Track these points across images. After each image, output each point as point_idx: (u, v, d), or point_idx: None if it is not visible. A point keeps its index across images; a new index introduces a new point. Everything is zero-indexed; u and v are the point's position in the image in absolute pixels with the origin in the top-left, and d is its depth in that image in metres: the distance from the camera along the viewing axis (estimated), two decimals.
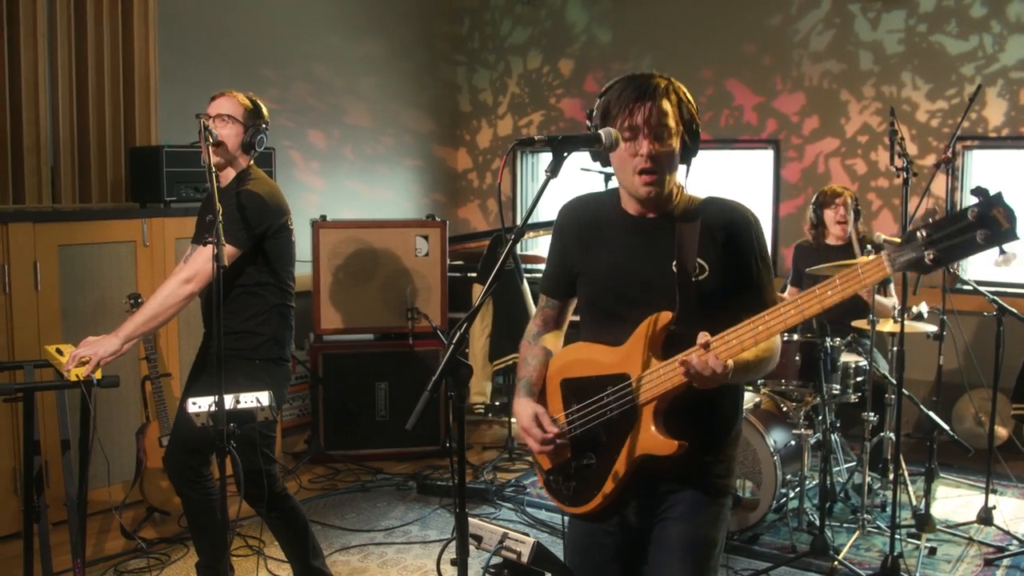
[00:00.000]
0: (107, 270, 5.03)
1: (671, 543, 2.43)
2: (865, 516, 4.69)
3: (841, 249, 5.32)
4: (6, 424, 4.64)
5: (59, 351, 3.72)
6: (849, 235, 5.30)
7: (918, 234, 2.01)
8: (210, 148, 3.60)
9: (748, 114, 6.82)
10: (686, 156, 2.44)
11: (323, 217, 6.04)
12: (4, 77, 5.09)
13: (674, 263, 2.37)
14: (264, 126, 3.87)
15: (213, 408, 3.33)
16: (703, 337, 2.19)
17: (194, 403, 3.38)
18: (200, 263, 3.64)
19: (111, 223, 5.08)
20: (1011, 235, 1.92)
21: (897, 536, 4.62)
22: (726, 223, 2.41)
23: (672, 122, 2.36)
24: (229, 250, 3.63)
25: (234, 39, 6.38)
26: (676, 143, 2.38)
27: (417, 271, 6.07)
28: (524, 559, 2.27)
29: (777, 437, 4.73)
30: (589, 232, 2.55)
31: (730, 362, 2.20)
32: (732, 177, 7.02)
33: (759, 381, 4.94)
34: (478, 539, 2.38)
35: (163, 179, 5.17)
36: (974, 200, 1.95)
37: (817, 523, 4.59)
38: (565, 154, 2.30)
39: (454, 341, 2.23)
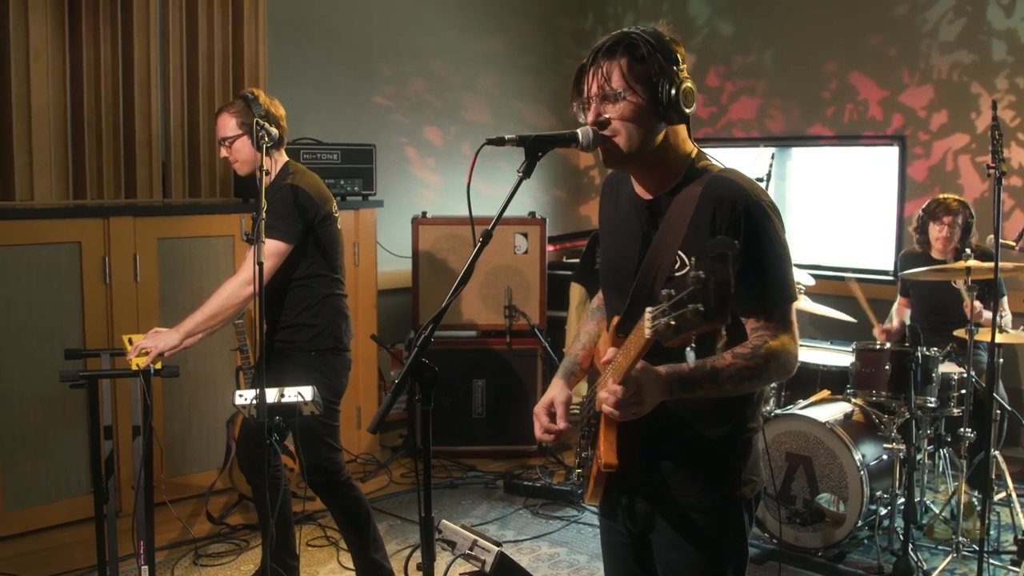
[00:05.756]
0: (204, 263, 5.25)
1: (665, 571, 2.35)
2: (960, 539, 4.42)
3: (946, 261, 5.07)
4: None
5: (131, 341, 3.90)
6: (956, 251, 5.04)
7: (664, 291, 1.77)
8: (263, 151, 3.67)
9: (873, 109, 6.52)
10: (665, 114, 2.16)
11: (424, 214, 6.13)
12: (118, 74, 5.36)
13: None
14: (261, 117, 3.80)
15: (256, 402, 3.43)
16: (609, 354, 2.08)
17: (240, 395, 3.49)
18: None
19: (210, 218, 5.30)
20: (715, 316, 1.69)
21: (996, 563, 4.36)
22: (716, 204, 2.13)
23: (619, 81, 2.14)
24: (281, 246, 3.74)
25: (347, 36, 6.53)
26: (631, 102, 2.14)
27: (516, 269, 6.08)
28: (487, 567, 2.24)
29: (867, 451, 4.51)
30: (608, 209, 2.48)
31: (635, 379, 2.01)
32: (855, 175, 6.73)
33: (849, 390, 4.73)
34: (451, 544, 2.36)
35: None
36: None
37: (910, 543, 4.37)
38: (540, 154, 2.26)
39: (418, 344, 2.22)
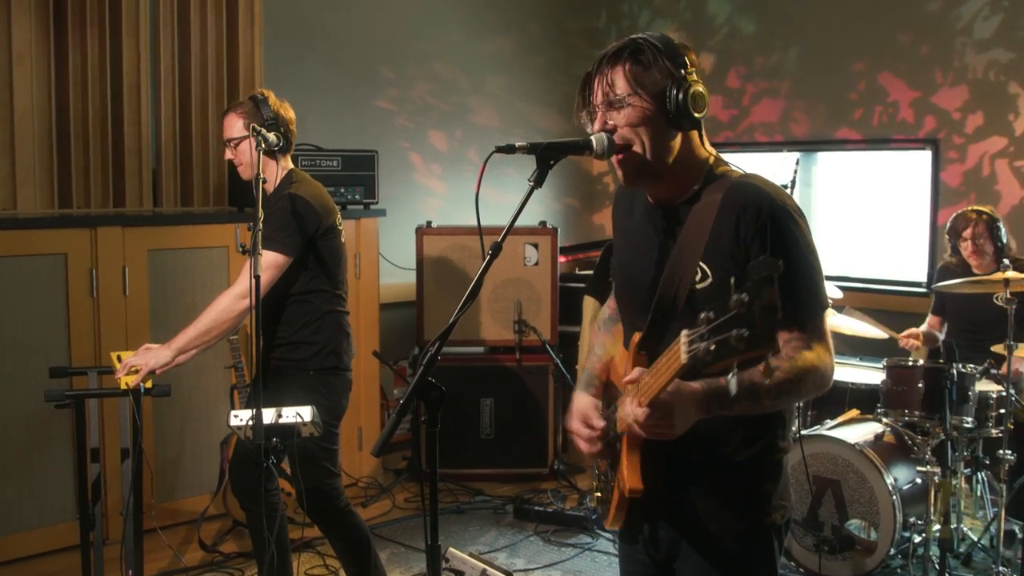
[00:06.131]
0: (197, 275, 5.26)
1: None
2: (1001, 569, 4.40)
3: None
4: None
5: (119, 358, 3.91)
6: (995, 262, 5.03)
7: (703, 315, 1.74)
8: (261, 158, 3.69)
9: (904, 111, 6.51)
10: (675, 120, 2.17)
11: (428, 223, 6.14)
12: (106, 77, 5.38)
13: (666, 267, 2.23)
14: (269, 120, 3.87)
15: (252, 422, 3.43)
16: (635, 373, 2.08)
17: (236, 416, 3.49)
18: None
19: (204, 228, 5.32)
20: (762, 342, 1.65)
21: None
22: (739, 210, 2.15)
23: (624, 86, 2.16)
24: (279, 259, 3.75)
25: (348, 37, 6.55)
26: (637, 107, 2.16)
27: (526, 281, 6.09)
28: None
29: (899, 474, 4.50)
30: (622, 218, 2.50)
31: (665, 402, 1.99)
32: (885, 181, 6.71)
33: (880, 409, 4.72)
34: (459, 574, 2.36)
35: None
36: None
37: (947, 573, 4.35)
38: (552, 162, 2.27)
39: (424, 362, 2.22)
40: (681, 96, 2.16)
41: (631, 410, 2.04)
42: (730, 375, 1.78)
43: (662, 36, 2.21)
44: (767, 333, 1.66)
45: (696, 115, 2.18)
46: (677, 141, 2.22)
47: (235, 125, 3.97)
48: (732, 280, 1.74)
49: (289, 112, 4.01)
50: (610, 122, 2.19)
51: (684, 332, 1.81)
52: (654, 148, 2.19)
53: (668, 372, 1.92)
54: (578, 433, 2.38)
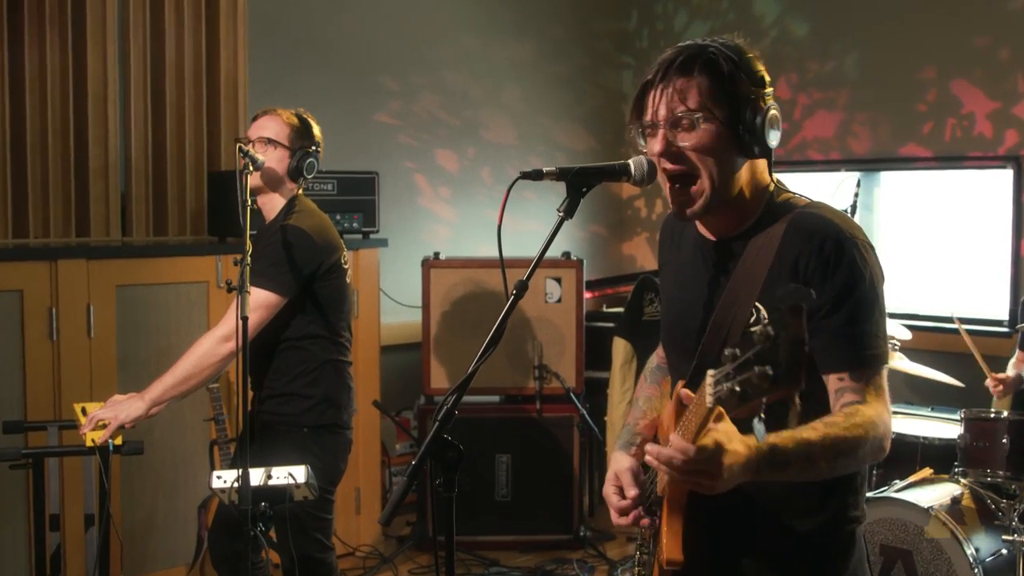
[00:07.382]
0: (174, 315, 5.27)
1: None
2: None
3: None
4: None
5: (84, 411, 3.91)
6: None
7: (727, 351, 1.73)
8: (249, 177, 3.72)
9: (980, 124, 6.51)
10: (747, 147, 2.18)
11: (436, 255, 6.16)
12: (68, 88, 5.40)
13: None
14: (314, 148, 3.98)
15: (238, 484, 3.44)
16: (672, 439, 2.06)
17: (219, 477, 3.49)
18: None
19: (180, 260, 5.33)
20: (786, 382, 1.63)
21: None
22: (803, 242, 2.16)
23: (696, 103, 2.14)
24: (272, 298, 3.76)
25: (344, 42, 6.59)
26: (711, 130, 2.14)
27: (548, 320, 6.09)
28: None
29: (981, 544, 4.46)
30: (669, 252, 2.52)
31: (716, 441, 1.91)
32: (959, 204, 6.71)
33: (957, 468, 4.69)
34: None
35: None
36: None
37: None
38: (584, 190, 2.28)
39: (439, 417, 2.22)
40: (759, 120, 2.15)
41: (676, 445, 1.93)
42: (755, 420, 1.76)
43: (735, 45, 2.21)
44: (792, 371, 1.64)
45: (770, 143, 2.18)
46: (744, 170, 2.22)
47: (280, 129, 3.98)
48: (762, 311, 1.73)
49: (321, 149, 4.12)
50: (675, 144, 2.18)
51: (709, 372, 1.79)
52: (720, 179, 2.18)
53: (696, 420, 1.90)
54: (608, 501, 2.37)
